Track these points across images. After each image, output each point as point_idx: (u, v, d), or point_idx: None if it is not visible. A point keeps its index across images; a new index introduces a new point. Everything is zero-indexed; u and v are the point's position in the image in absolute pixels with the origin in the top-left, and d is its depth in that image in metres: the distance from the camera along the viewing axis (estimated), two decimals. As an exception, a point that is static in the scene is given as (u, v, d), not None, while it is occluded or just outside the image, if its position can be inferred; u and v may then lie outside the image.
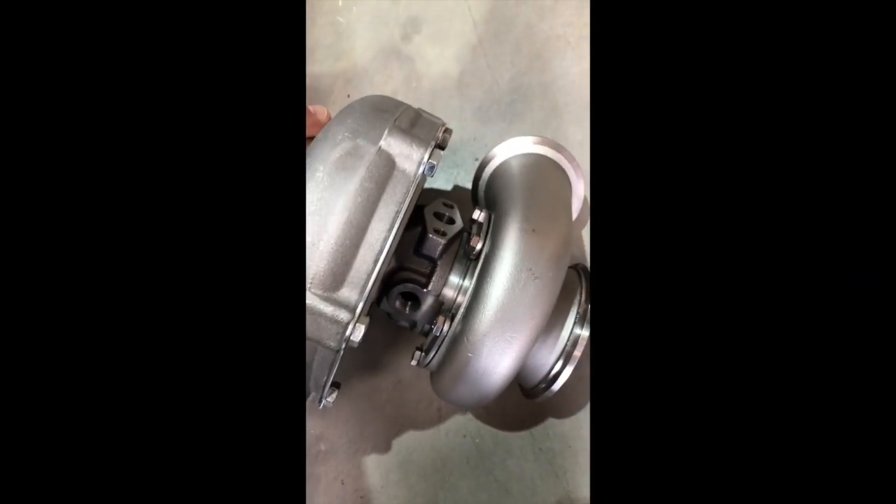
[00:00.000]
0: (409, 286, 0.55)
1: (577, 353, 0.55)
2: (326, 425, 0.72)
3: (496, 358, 0.49)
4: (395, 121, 0.48)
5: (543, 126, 0.74)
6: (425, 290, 0.55)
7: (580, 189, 0.67)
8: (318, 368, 0.46)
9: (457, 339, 0.51)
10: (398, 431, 0.71)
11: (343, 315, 0.43)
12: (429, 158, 0.47)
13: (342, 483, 0.71)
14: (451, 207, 0.57)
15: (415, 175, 0.46)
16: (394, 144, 0.46)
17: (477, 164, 0.76)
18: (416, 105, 0.55)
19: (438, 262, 0.55)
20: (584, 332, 0.55)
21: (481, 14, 0.77)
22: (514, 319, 0.48)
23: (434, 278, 0.55)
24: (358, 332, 0.44)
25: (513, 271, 0.48)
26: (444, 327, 0.53)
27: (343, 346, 0.44)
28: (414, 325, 0.57)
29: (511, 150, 0.65)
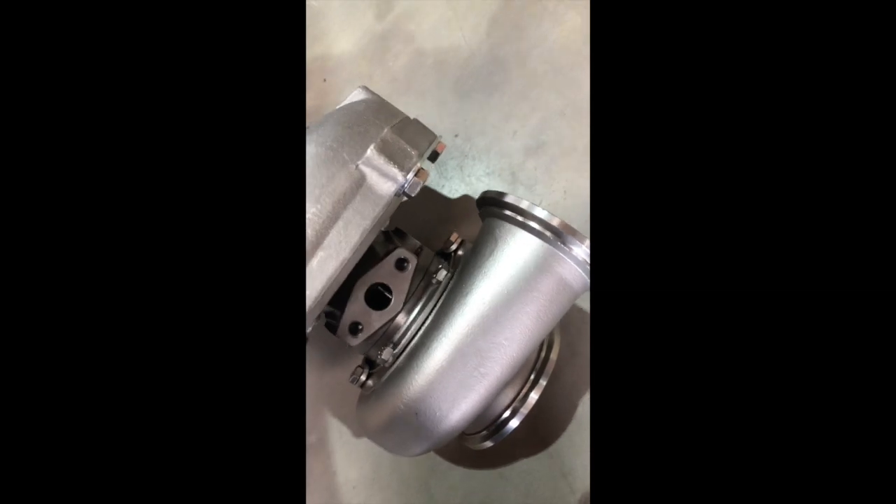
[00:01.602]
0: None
1: (525, 410, 0.54)
2: (316, 417, 0.70)
3: (397, 437, 0.50)
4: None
5: (522, 97, 0.72)
6: (349, 346, 0.54)
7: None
8: None
9: (369, 398, 0.52)
10: (388, 418, 0.69)
11: None
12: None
13: (334, 474, 0.69)
14: (404, 269, 0.51)
15: None
16: None
17: (456, 140, 0.73)
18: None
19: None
20: (534, 395, 0.54)
21: (455, -13, 0.75)
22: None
23: (356, 344, 0.54)
24: None
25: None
26: (361, 377, 0.54)
27: None
28: None
29: (517, 225, 0.49)
